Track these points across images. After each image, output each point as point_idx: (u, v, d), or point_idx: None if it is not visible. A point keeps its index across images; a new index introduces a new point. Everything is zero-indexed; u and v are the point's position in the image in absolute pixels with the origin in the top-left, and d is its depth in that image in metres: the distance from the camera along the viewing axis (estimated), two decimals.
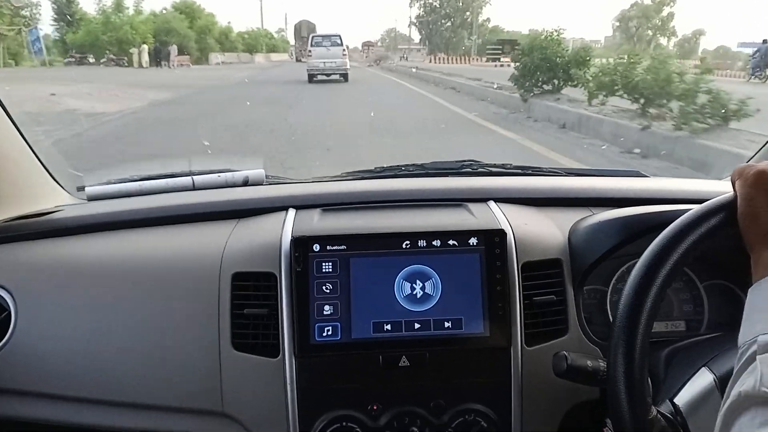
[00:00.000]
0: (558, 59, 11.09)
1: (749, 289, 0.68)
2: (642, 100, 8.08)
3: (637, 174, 1.44)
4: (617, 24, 63.22)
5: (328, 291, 0.95)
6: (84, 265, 1.07)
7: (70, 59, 32.14)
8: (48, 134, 6.99)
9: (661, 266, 0.73)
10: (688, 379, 0.80)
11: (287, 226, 1.03)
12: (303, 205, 1.13)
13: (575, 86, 10.82)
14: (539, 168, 1.41)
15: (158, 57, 33.15)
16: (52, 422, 1.02)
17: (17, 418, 1.03)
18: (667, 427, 0.74)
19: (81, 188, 1.31)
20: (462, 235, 0.98)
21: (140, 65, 32.03)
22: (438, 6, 67.81)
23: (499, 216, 1.06)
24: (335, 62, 20.43)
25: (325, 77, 20.41)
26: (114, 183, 1.31)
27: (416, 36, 73.08)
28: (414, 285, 0.96)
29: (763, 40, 11.00)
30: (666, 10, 59.86)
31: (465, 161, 1.39)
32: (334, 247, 0.96)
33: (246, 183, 1.32)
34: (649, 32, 60.91)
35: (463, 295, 0.96)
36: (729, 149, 5.62)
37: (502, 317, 0.96)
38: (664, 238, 0.75)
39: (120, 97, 12.99)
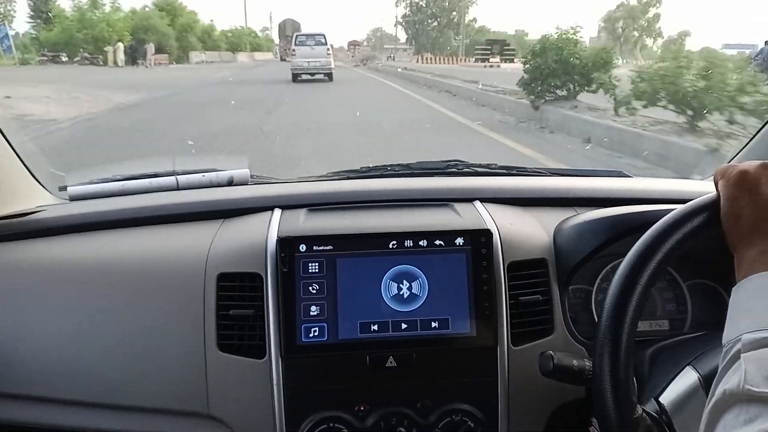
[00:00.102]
0: (576, 61, 9.64)
1: (733, 289, 0.69)
2: (689, 112, 6.60)
3: (621, 174, 1.46)
4: (603, 25, 63.65)
5: (314, 291, 0.94)
6: (67, 266, 1.05)
7: (42, 58, 31.35)
8: None
9: (646, 266, 0.73)
10: (673, 378, 0.81)
11: (273, 226, 1.02)
12: (289, 205, 1.12)
13: (593, 92, 9.38)
14: (524, 168, 1.42)
15: (134, 55, 32.41)
16: (35, 425, 1.01)
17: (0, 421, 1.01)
18: (652, 426, 0.75)
19: (63, 188, 1.29)
20: (448, 235, 0.98)
21: (115, 64, 31.24)
22: (424, 5, 67.83)
23: (485, 216, 1.07)
24: (319, 61, 20.48)
25: (309, 76, 20.40)
26: (97, 183, 1.30)
27: (402, 36, 73.16)
28: (401, 285, 0.96)
29: (766, 42, 11.04)
30: (652, 11, 60.33)
31: (450, 161, 1.39)
32: (321, 248, 0.96)
33: (231, 183, 1.31)
34: (635, 33, 61.26)
35: (450, 295, 0.96)
36: None
37: (488, 317, 0.96)
38: (648, 238, 0.75)
39: (81, 100, 11.78)
